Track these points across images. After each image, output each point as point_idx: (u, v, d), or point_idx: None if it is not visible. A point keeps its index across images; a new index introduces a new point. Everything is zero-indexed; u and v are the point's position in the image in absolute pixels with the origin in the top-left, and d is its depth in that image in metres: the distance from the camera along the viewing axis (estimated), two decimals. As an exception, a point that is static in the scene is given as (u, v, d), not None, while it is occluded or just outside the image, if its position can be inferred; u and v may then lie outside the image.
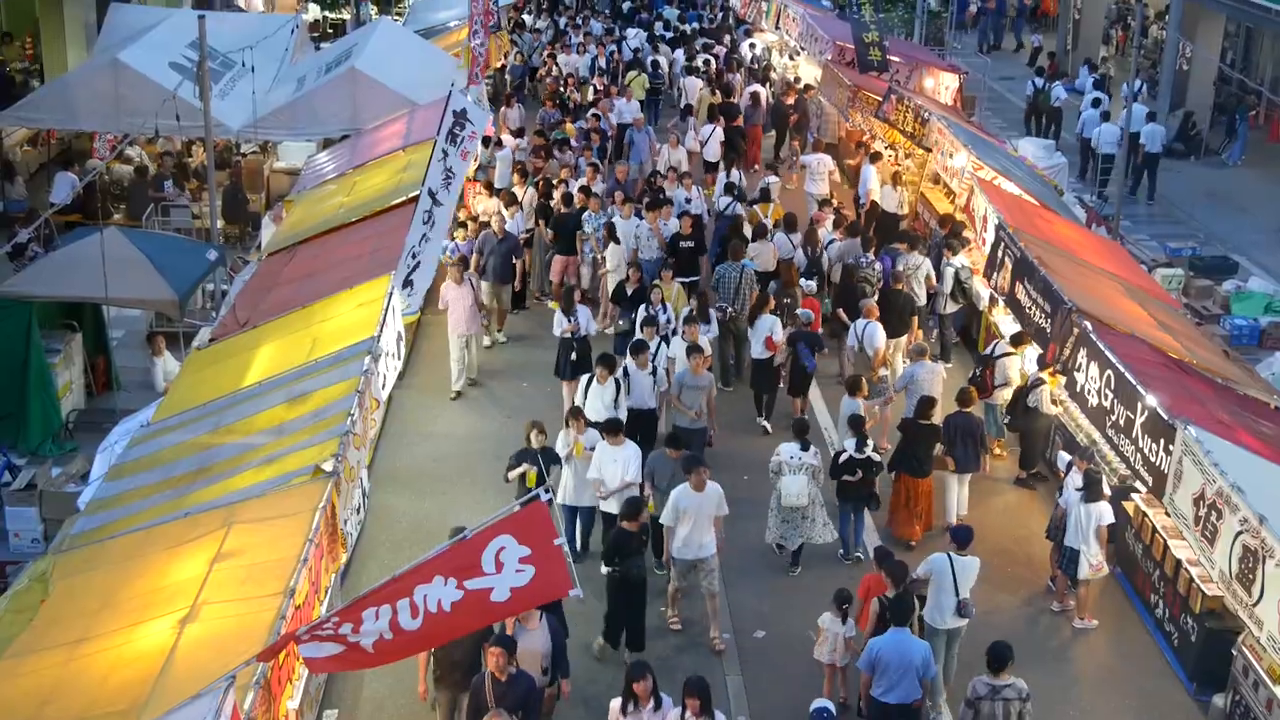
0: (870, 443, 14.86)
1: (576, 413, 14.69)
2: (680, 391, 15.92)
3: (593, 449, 14.27)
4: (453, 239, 20.25)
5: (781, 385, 18.05)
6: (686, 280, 19.75)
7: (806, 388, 17.98)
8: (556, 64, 32.58)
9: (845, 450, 14.77)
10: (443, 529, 14.97)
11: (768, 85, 31.61)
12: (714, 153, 26.28)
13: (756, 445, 17.11)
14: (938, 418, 15.42)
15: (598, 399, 15.53)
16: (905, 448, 15.28)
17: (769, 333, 17.55)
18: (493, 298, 20.34)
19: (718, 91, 30.16)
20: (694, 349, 16.04)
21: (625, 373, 15.91)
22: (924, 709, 11.70)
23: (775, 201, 22.99)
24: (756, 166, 28.43)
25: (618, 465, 14.09)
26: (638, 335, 16.72)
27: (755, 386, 18.13)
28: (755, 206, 22.22)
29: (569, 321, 17.61)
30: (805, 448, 14.53)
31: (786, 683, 12.95)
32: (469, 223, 21.04)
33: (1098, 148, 28.71)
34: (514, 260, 20.11)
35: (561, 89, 30.74)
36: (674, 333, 17.23)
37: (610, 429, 14.28)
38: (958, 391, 15.97)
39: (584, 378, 16.01)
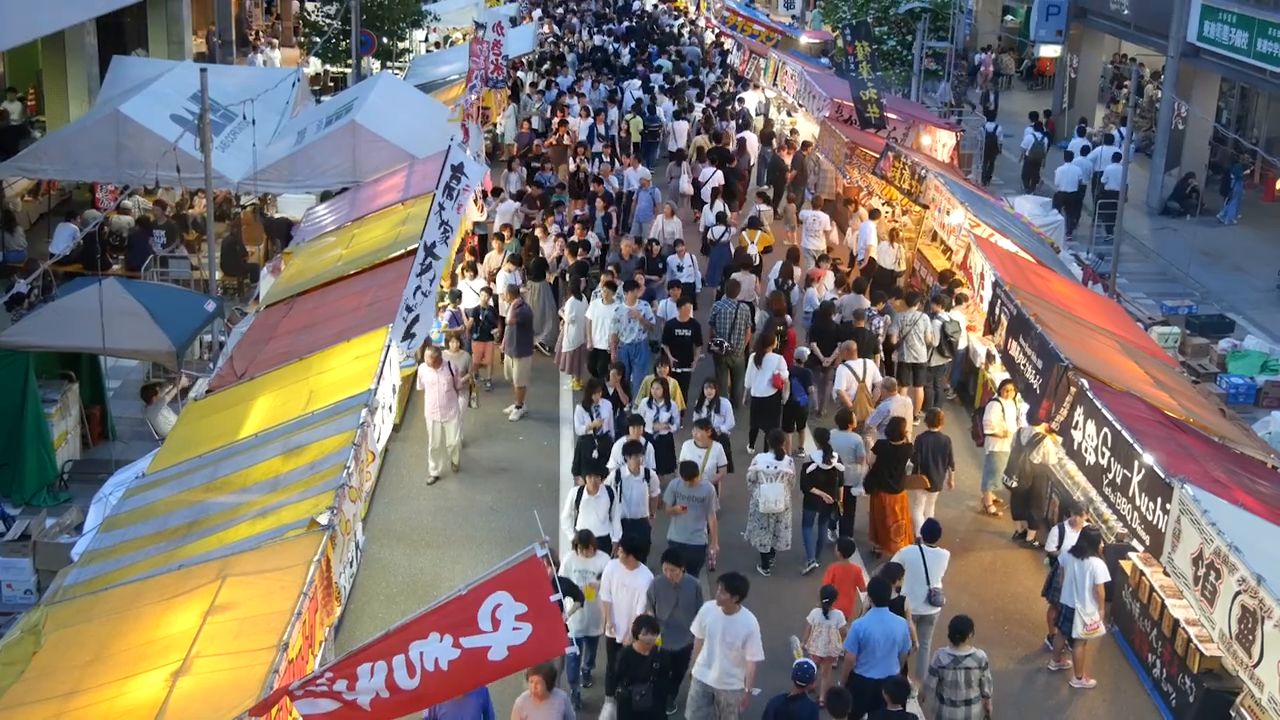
0: (835, 455, 15.56)
1: (586, 539, 13.14)
2: (674, 503, 14.36)
3: (598, 576, 12.89)
4: (451, 306, 19.79)
5: None
6: (682, 371, 18.55)
7: (802, 422, 18.37)
8: (568, 131, 31.32)
9: (813, 462, 15.59)
10: (438, 583, 15.01)
11: (756, 134, 32.65)
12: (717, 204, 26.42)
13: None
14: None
15: (590, 512, 14.09)
16: (880, 467, 15.89)
17: (776, 371, 17.88)
18: (508, 371, 19.84)
19: (708, 137, 31.38)
20: (687, 466, 14.53)
21: (617, 476, 14.51)
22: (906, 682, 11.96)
23: (764, 229, 24.05)
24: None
25: (628, 592, 12.65)
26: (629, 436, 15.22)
27: (756, 422, 18.23)
28: (743, 232, 23.75)
29: (592, 417, 16.28)
30: (780, 457, 15.39)
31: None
32: (482, 293, 20.10)
33: (1058, 186, 30.64)
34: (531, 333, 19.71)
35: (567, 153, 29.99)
36: (669, 421, 16.45)
37: (632, 549, 12.81)
38: (926, 413, 16.73)
39: (572, 490, 14.57)
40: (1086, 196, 30.86)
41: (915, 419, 17.47)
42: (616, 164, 28.48)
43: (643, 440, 15.01)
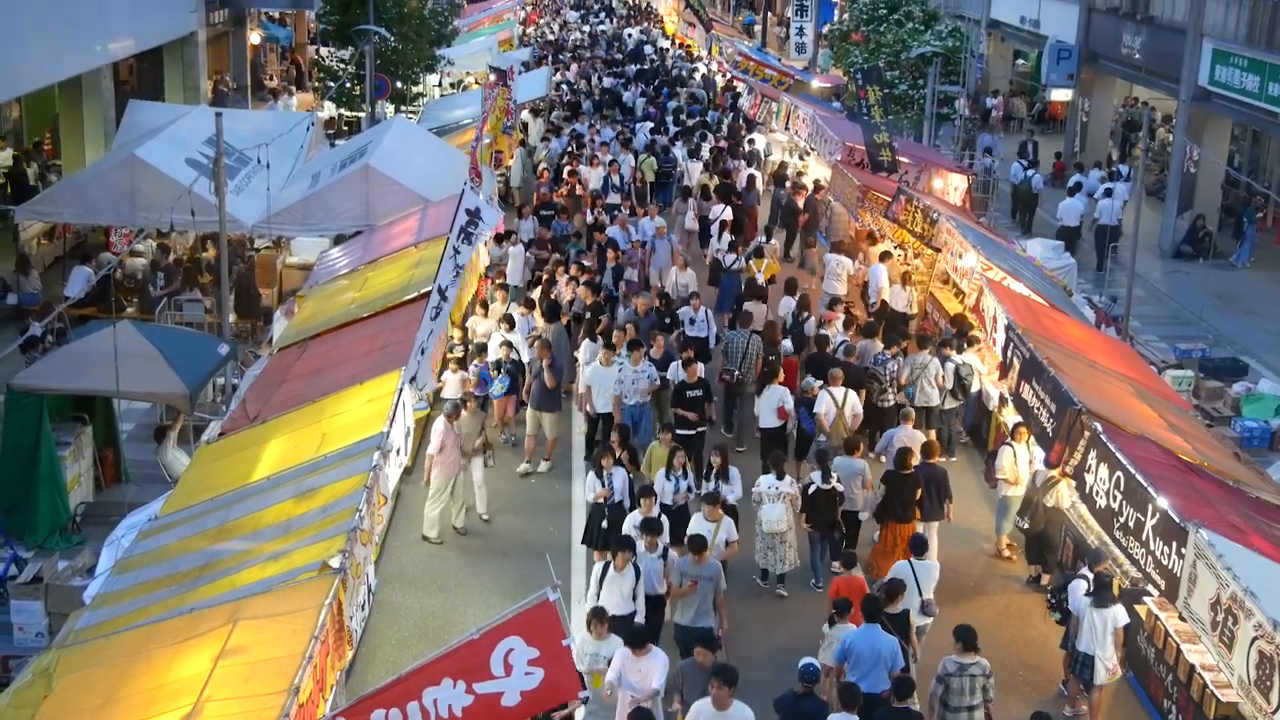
0: (834, 475, 16.00)
1: (599, 615, 12.62)
2: (681, 582, 13.76)
3: (608, 661, 12.29)
4: (478, 361, 19.36)
5: None
6: (692, 434, 18.11)
7: (807, 450, 18.35)
8: (579, 181, 30.88)
9: (813, 482, 16.05)
10: (450, 627, 14.96)
11: (766, 173, 33.37)
12: (725, 236, 26.75)
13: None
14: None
15: (614, 588, 13.49)
16: (890, 497, 16.15)
17: (780, 403, 18.13)
18: (536, 426, 19.25)
19: (715, 174, 31.89)
20: (696, 540, 13.90)
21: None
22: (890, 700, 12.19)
23: (770, 259, 24.70)
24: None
25: (641, 676, 12.12)
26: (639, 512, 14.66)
27: (765, 455, 18.12)
28: (750, 262, 24.28)
29: (602, 485, 15.66)
30: (780, 477, 15.87)
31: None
32: (503, 348, 19.57)
33: (1060, 220, 31.78)
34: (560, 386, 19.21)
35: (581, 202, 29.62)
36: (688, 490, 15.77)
37: (635, 641, 12.12)
38: (922, 445, 16.82)
39: (599, 565, 13.94)
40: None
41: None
42: (633, 214, 27.97)
43: (657, 513, 14.59)
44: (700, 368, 18.57)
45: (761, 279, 23.67)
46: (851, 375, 18.75)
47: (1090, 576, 14.22)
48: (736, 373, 19.51)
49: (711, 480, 15.91)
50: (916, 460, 16.27)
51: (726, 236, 26.10)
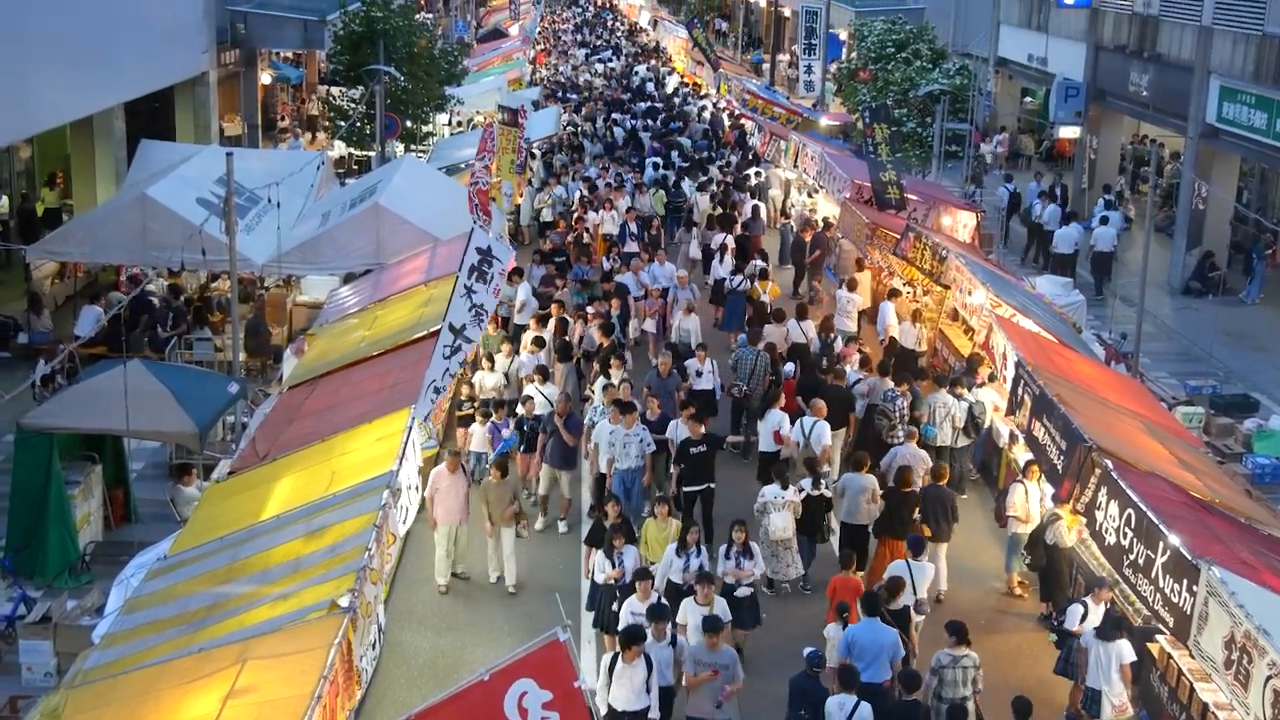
0: (824, 481, 16.97)
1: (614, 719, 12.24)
2: (696, 671, 12.97)
3: None
4: (495, 418, 18.58)
5: None
6: (699, 489, 17.57)
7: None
8: (587, 229, 30.16)
9: (803, 489, 16.76)
10: (459, 666, 14.92)
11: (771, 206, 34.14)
12: (726, 259, 27.12)
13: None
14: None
15: (625, 681, 12.62)
16: (888, 513, 16.70)
17: (777, 427, 18.51)
18: (550, 485, 18.71)
19: (718, 205, 32.32)
20: (710, 622, 13.15)
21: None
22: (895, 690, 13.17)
23: (772, 281, 26.01)
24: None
25: None
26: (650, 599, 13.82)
27: (762, 479, 18.24)
28: (755, 284, 25.41)
29: (613, 566, 14.78)
30: (785, 487, 16.46)
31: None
32: (523, 404, 18.93)
33: (1055, 247, 32.07)
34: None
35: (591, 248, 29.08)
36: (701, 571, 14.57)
37: None
38: (931, 466, 17.43)
39: (606, 656, 13.15)
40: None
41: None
42: (646, 259, 27.01)
43: (658, 597, 13.80)
44: (703, 425, 17.83)
45: (767, 299, 24.75)
46: (838, 400, 19.29)
47: (1088, 603, 14.41)
48: (744, 388, 20.37)
49: (730, 557, 15.08)
50: (919, 480, 16.91)
51: (729, 259, 26.66)
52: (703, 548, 15.08)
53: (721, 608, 13.83)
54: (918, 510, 16.56)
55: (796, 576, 16.72)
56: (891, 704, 12.80)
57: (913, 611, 14.60)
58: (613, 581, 14.74)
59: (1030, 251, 34.70)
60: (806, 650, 13.15)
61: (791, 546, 16.40)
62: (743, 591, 14.96)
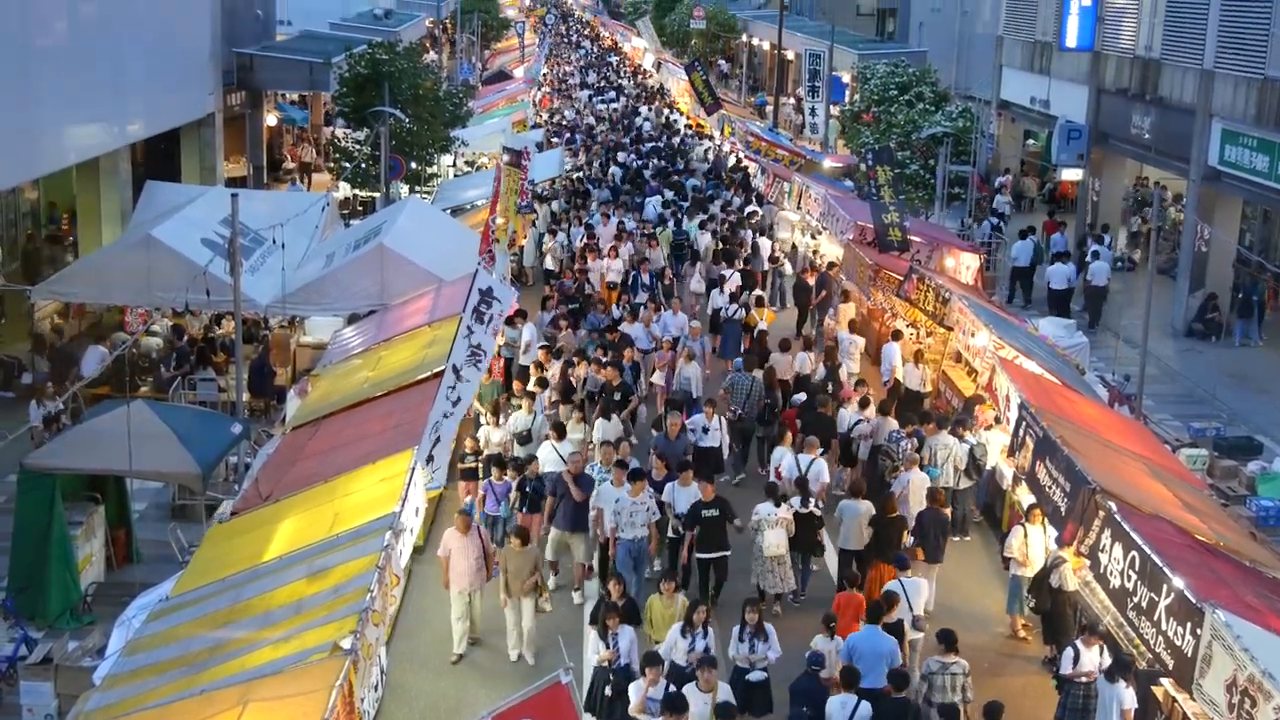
0: (813, 500, 17.54)
1: None
2: None
3: None
4: (510, 477, 17.87)
5: None
6: (714, 556, 16.91)
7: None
8: (589, 280, 29.47)
9: (793, 507, 17.24)
10: (460, 709, 14.88)
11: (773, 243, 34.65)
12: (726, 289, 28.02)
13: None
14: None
15: None
16: (877, 536, 17.27)
17: (778, 464, 18.86)
18: (559, 550, 17.82)
19: (721, 241, 33.45)
20: (723, 709, 12.48)
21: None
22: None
23: (768, 308, 27.62)
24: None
25: None
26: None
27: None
28: (752, 312, 26.71)
29: (607, 647, 13.93)
30: (778, 504, 16.99)
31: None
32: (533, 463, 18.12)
33: (1048, 283, 33.00)
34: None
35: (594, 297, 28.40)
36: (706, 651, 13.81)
37: None
38: (927, 490, 17.86)
39: None
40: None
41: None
42: (653, 310, 26.30)
43: (664, 682, 13.02)
44: (712, 488, 17.09)
45: (764, 325, 26.03)
46: (821, 426, 19.95)
47: (1079, 646, 14.40)
48: (740, 411, 21.30)
49: (744, 639, 14.34)
50: (908, 504, 17.75)
51: (729, 289, 27.69)
52: (709, 628, 14.15)
53: (725, 693, 13.10)
54: (907, 534, 17.39)
55: (788, 591, 17.34)
56: (884, 704, 13.32)
57: (911, 628, 15.08)
58: (606, 664, 13.86)
59: (1012, 293, 34.62)
60: (807, 652, 13.89)
61: (785, 562, 16.99)
62: (755, 676, 14.22)
